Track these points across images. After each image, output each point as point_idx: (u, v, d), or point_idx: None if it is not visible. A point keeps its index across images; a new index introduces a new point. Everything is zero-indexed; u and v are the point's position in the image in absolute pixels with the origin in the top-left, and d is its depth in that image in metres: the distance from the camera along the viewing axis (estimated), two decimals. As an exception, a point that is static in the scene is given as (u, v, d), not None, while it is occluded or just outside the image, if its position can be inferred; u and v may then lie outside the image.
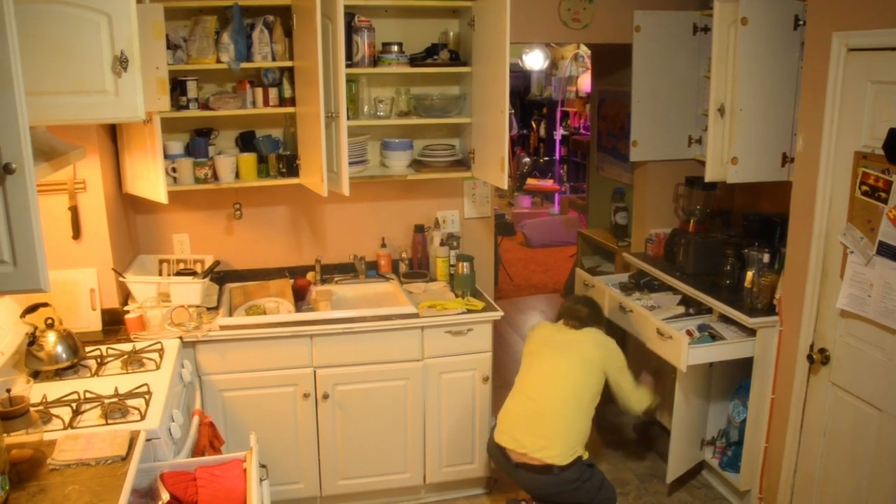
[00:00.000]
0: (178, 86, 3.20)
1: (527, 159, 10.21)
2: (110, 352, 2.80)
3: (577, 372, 3.04)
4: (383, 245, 3.83)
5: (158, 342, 2.88)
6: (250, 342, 3.11)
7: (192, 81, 3.22)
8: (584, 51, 8.94)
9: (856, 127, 2.68)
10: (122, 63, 2.16)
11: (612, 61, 4.69)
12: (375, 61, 3.40)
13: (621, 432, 4.22)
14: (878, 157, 2.56)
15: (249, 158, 3.40)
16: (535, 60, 9.96)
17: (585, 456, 3.01)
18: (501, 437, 3.02)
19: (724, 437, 3.60)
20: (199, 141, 3.37)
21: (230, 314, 3.28)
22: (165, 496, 2.09)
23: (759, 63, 3.15)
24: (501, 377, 4.90)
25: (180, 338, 2.99)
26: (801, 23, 3.11)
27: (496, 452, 3.06)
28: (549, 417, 2.97)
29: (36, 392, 2.39)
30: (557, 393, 3.01)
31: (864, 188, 2.62)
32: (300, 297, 3.50)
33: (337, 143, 3.09)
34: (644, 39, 3.76)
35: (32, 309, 2.70)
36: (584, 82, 9.09)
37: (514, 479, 3.07)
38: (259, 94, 3.33)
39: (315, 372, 3.20)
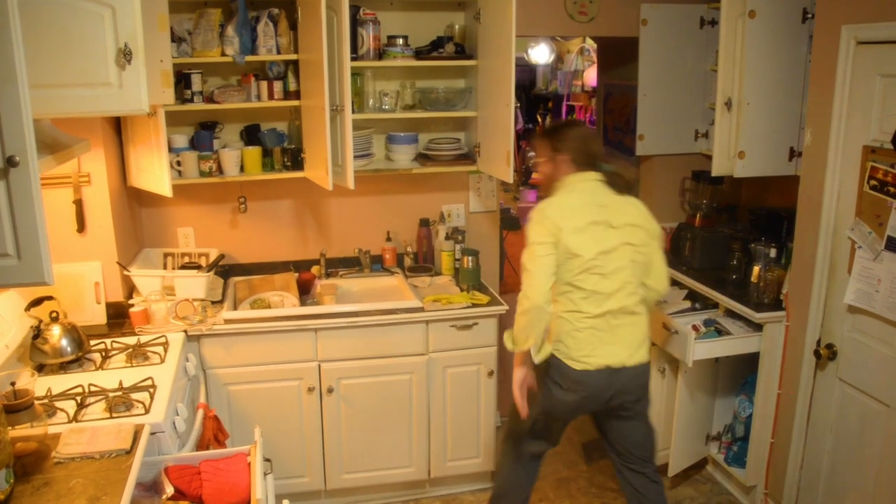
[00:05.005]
0: (182, 79, 3.19)
1: (532, 153, 10.18)
2: (115, 345, 2.80)
3: (644, 255, 2.60)
4: (388, 239, 3.82)
5: (163, 336, 2.88)
6: (255, 336, 3.11)
7: (197, 74, 3.21)
8: (590, 44, 8.91)
9: (864, 121, 2.66)
10: (125, 56, 2.15)
11: (618, 55, 4.66)
12: (381, 54, 3.39)
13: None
14: (887, 151, 2.54)
15: (254, 152, 3.40)
16: (540, 54, 9.92)
17: None
18: (608, 357, 2.57)
19: (730, 433, 3.58)
20: (203, 134, 3.37)
21: (235, 308, 3.28)
22: (170, 490, 2.09)
23: (767, 56, 3.13)
24: (506, 371, 4.89)
25: (185, 331, 2.99)
26: (809, 16, 3.08)
27: (593, 379, 2.57)
28: (641, 317, 2.64)
29: (40, 385, 2.39)
30: (635, 284, 2.59)
31: (873, 182, 2.60)
32: (305, 291, 3.50)
33: (342, 137, 3.08)
34: (651, 33, 3.74)
35: (37, 302, 2.70)
36: (590, 76, 9.06)
37: (601, 397, 2.63)
38: (264, 88, 3.32)
39: (320, 366, 3.19)
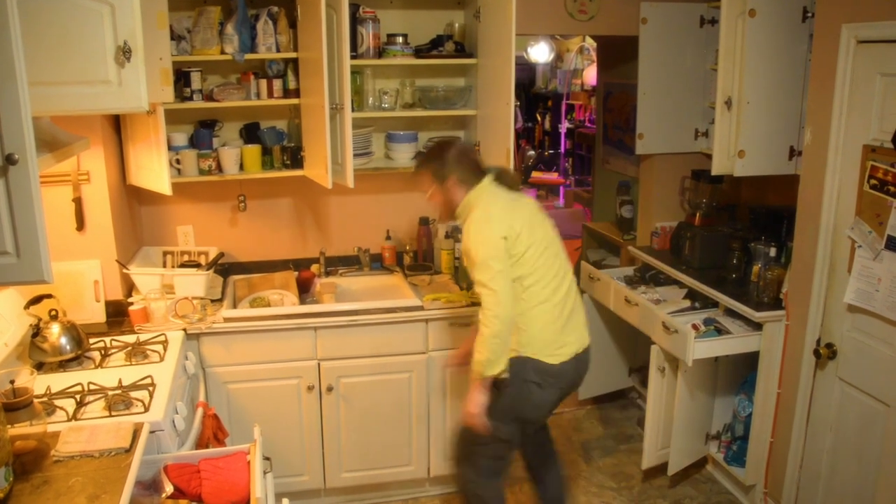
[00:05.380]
0: (181, 77, 3.19)
1: (531, 152, 10.17)
2: (114, 343, 2.80)
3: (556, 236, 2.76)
4: (388, 237, 3.82)
5: (162, 334, 2.88)
6: (254, 334, 3.11)
7: (196, 72, 3.21)
8: (590, 43, 8.90)
9: (864, 120, 2.66)
10: (125, 53, 2.14)
11: (618, 54, 4.65)
12: (380, 53, 3.38)
13: (624, 426, 4.21)
14: (887, 150, 2.53)
15: (254, 150, 3.39)
16: (540, 53, 9.91)
17: None
18: (575, 343, 2.64)
19: (730, 432, 3.58)
20: (203, 132, 3.36)
21: (234, 306, 3.28)
22: (169, 488, 2.09)
23: (767, 55, 3.12)
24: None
25: (184, 330, 2.99)
26: (809, 14, 3.08)
27: (567, 369, 2.62)
28: (579, 297, 2.73)
29: (40, 383, 2.39)
30: (567, 266, 2.72)
31: (873, 182, 2.60)
32: (304, 290, 3.50)
33: (341, 135, 3.07)
34: (650, 31, 3.73)
35: (36, 300, 2.70)
36: (590, 75, 9.05)
37: (574, 385, 2.73)
38: (263, 86, 3.32)
39: (319, 364, 3.19)
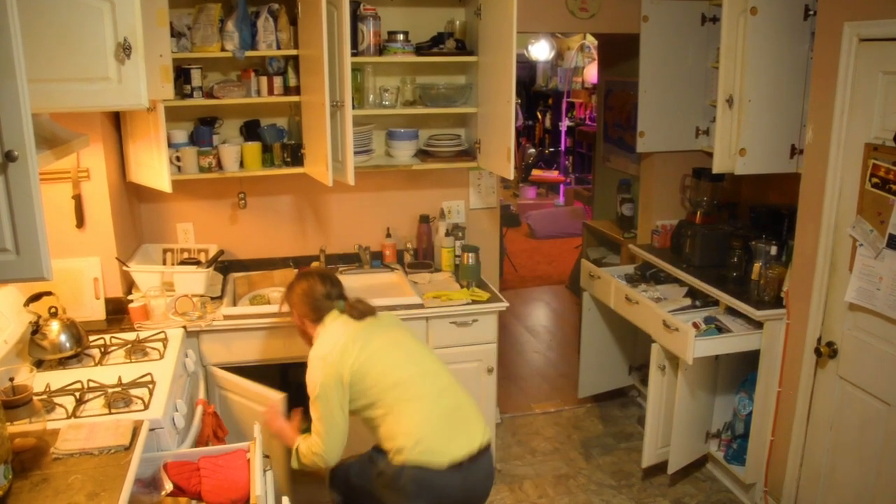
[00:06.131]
0: (182, 74, 3.18)
1: (532, 150, 10.19)
2: (114, 341, 2.80)
3: (424, 346, 2.64)
4: (388, 235, 3.81)
5: (162, 332, 2.87)
6: (254, 332, 3.10)
7: (197, 70, 3.20)
8: (591, 41, 8.90)
9: (866, 118, 2.66)
10: (125, 50, 2.14)
11: (619, 51, 4.65)
12: (381, 50, 3.38)
13: (624, 424, 4.21)
14: (889, 148, 2.53)
15: (254, 147, 3.39)
16: (540, 51, 9.91)
17: None
18: (456, 452, 2.35)
19: (730, 430, 3.58)
20: (203, 129, 3.36)
21: (234, 304, 3.27)
22: (169, 486, 2.09)
23: (769, 53, 3.12)
24: (506, 369, 4.91)
25: (184, 327, 2.98)
26: (811, 12, 3.07)
27: (447, 479, 2.34)
28: (459, 394, 2.52)
29: (39, 381, 2.39)
30: (440, 371, 2.54)
31: (875, 180, 2.59)
32: (304, 288, 3.49)
33: (342, 133, 3.07)
34: (652, 29, 3.72)
35: (36, 298, 2.69)
36: (590, 73, 9.06)
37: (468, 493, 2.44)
38: (264, 83, 3.31)
39: (319, 362, 3.18)
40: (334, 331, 2.52)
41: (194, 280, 3.16)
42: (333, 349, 2.44)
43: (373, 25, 3.31)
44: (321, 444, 2.44)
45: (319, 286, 2.61)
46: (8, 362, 2.44)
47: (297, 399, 3.48)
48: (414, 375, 2.47)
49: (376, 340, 2.50)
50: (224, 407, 3.08)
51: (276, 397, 2.77)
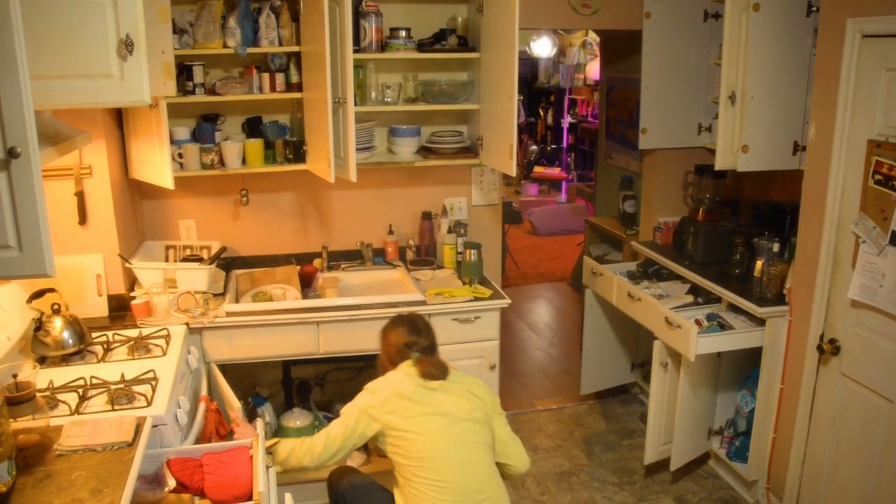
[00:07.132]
0: (184, 71, 3.18)
1: (534, 147, 10.17)
2: (117, 338, 2.80)
3: (482, 434, 2.43)
4: (390, 232, 3.81)
5: (165, 328, 2.88)
6: (257, 329, 3.11)
7: (199, 66, 3.20)
8: (593, 38, 8.89)
9: (869, 115, 2.65)
10: (127, 47, 2.14)
11: (621, 48, 4.64)
12: (383, 47, 3.38)
13: (627, 421, 4.21)
14: (892, 145, 2.53)
15: (256, 144, 3.39)
16: (542, 48, 9.90)
17: None
18: None
19: (732, 427, 3.58)
20: (205, 126, 3.36)
21: (236, 301, 3.28)
22: (172, 482, 2.09)
23: (771, 50, 3.11)
24: (508, 366, 4.91)
25: (187, 324, 2.99)
26: (814, 9, 3.06)
27: None
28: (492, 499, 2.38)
29: (42, 378, 2.39)
30: (483, 468, 2.39)
31: (878, 177, 2.59)
32: (307, 284, 3.49)
33: (344, 129, 3.07)
34: (654, 26, 3.72)
35: (39, 294, 2.70)
36: (592, 70, 9.04)
37: None
38: (266, 80, 3.31)
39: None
40: (395, 377, 2.45)
41: (197, 277, 3.17)
42: (381, 391, 2.40)
43: (375, 22, 3.31)
44: (321, 441, 2.41)
45: (406, 336, 2.55)
46: (11, 359, 2.44)
47: (297, 395, 3.49)
48: (449, 460, 2.32)
49: (426, 405, 2.37)
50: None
51: (236, 405, 2.73)
